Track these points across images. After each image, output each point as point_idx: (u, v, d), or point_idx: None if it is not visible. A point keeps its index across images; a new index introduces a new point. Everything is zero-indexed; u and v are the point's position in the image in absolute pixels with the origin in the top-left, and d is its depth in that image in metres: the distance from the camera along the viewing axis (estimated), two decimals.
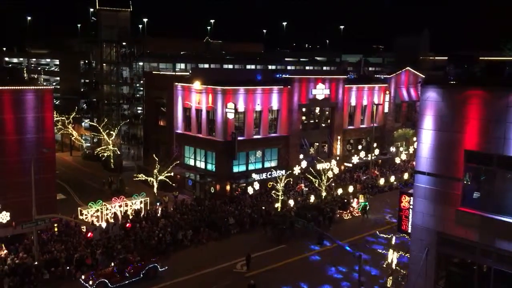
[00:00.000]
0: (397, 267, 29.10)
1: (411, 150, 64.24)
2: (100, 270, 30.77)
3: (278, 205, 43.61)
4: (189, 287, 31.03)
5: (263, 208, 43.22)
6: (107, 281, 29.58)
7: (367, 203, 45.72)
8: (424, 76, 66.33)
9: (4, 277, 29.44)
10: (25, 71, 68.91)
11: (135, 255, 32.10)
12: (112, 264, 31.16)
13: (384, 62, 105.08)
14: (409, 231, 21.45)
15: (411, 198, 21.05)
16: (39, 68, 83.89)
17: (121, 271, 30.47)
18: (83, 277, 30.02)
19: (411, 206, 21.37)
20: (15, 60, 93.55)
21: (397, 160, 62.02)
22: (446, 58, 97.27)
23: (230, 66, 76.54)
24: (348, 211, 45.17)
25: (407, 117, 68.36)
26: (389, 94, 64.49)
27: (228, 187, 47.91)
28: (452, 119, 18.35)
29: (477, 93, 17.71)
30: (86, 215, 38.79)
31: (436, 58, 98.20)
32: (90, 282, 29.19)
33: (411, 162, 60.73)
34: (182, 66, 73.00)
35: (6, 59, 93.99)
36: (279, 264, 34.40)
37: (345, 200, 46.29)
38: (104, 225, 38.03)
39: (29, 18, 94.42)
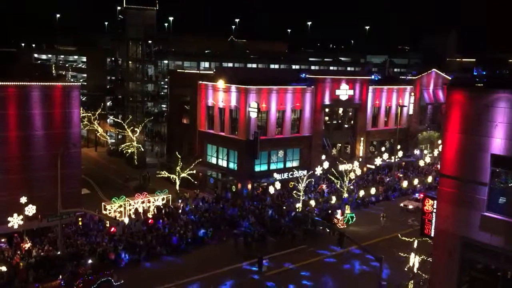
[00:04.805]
0: (419, 271, 28.76)
1: (435, 153, 63.32)
2: (46, 283, 28.70)
3: (299, 205, 43.54)
4: (205, 285, 31.18)
5: (284, 207, 43.22)
6: None
7: (353, 215, 42.82)
8: (450, 78, 65.34)
9: (30, 269, 30.15)
10: (53, 68, 70.47)
11: (86, 268, 29.80)
12: (60, 277, 29.09)
13: (409, 63, 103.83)
14: (432, 235, 21.18)
15: (435, 201, 20.77)
16: (67, 65, 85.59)
17: (69, 284, 28.23)
18: None
19: (434, 210, 21.09)
20: (43, 56, 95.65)
21: (421, 163, 61.21)
22: (474, 60, 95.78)
23: (254, 65, 76.68)
24: (332, 223, 40.70)
25: (432, 119, 67.37)
26: (414, 96, 63.65)
27: (249, 186, 48.05)
28: (479, 122, 18.03)
29: (505, 96, 17.35)
30: (109, 210, 39.44)
31: (463, 60, 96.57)
32: None
33: (435, 165, 59.88)
34: (206, 64, 73.49)
35: (35, 55, 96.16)
36: (297, 265, 34.36)
37: (329, 211, 43.03)
38: (127, 220, 38.58)
39: (57, 15, 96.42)
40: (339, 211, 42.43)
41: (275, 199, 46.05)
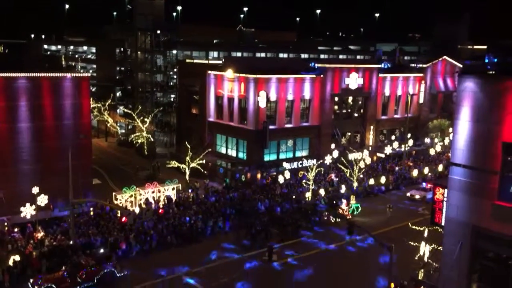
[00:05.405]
0: (429, 260, 28.71)
1: (446, 141, 62.87)
2: (49, 274, 28.55)
3: (308, 194, 43.55)
4: (213, 274, 31.32)
5: (293, 197, 43.26)
6: (55, 287, 27.37)
7: (358, 205, 42.32)
8: (461, 66, 64.64)
9: (42, 258, 30.55)
10: (63, 59, 70.77)
11: (89, 259, 29.59)
12: (63, 268, 28.87)
13: (420, 51, 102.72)
14: (443, 224, 21.12)
15: (445, 190, 20.66)
16: (76, 56, 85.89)
17: (72, 275, 28.09)
18: (31, 280, 27.80)
19: (445, 199, 21.00)
20: (53, 47, 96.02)
21: (432, 152, 60.84)
22: (486, 47, 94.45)
23: (263, 55, 76.38)
24: (337, 213, 40.44)
25: (443, 107, 66.82)
26: (425, 84, 63.11)
27: (258, 176, 48.10)
28: (490, 110, 17.87)
29: None
30: (120, 200, 39.75)
31: (474, 47, 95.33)
32: (36, 287, 27.12)
33: (446, 154, 59.47)
34: (215, 54, 73.34)
35: (45, 46, 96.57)
36: (308, 254, 34.53)
37: (334, 202, 42.49)
38: (137, 210, 38.87)
39: (66, 6, 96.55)
40: (344, 201, 42.11)
41: (284, 188, 46.05)
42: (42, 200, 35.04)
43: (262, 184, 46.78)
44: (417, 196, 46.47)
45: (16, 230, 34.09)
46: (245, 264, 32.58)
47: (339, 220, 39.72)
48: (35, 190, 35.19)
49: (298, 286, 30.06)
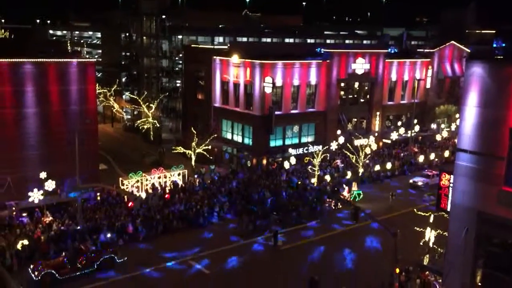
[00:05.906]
0: (434, 246, 28.77)
1: (453, 127, 62.55)
2: (49, 259, 28.48)
3: (314, 180, 43.59)
4: (218, 259, 31.59)
5: (299, 182, 43.33)
6: (54, 272, 27.19)
7: (360, 192, 41.92)
8: (469, 51, 63.96)
9: (50, 242, 30.89)
10: (68, 44, 70.69)
11: (88, 245, 29.79)
12: (63, 253, 28.78)
13: (427, 36, 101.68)
14: (449, 209, 21.12)
15: (452, 176, 20.61)
16: (82, 41, 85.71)
17: (72, 261, 28.06)
18: (31, 266, 27.69)
19: (451, 184, 20.96)
20: (59, 33, 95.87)
21: (438, 137, 60.59)
22: (494, 32, 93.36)
23: (269, 40, 75.92)
24: (340, 199, 40.13)
25: (450, 93, 66.29)
26: (432, 69, 62.56)
27: (264, 161, 48.16)
28: (497, 95, 17.73)
29: None
30: (126, 185, 39.99)
31: (483, 32, 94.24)
32: (36, 273, 26.90)
33: (452, 139, 59.21)
34: (221, 39, 72.95)
35: (51, 31, 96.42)
36: (311, 240, 34.75)
37: (335, 188, 42.48)
38: (144, 195, 39.12)
39: None
40: (346, 188, 42.00)
41: (285, 174, 46.08)
42: (50, 185, 35.31)
43: (267, 170, 46.86)
44: (420, 183, 46.36)
45: (24, 214, 34.45)
46: (250, 249, 32.86)
47: (340, 206, 39.89)
48: (43, 175, 35.45)
49: (305, 268, 30.24)
